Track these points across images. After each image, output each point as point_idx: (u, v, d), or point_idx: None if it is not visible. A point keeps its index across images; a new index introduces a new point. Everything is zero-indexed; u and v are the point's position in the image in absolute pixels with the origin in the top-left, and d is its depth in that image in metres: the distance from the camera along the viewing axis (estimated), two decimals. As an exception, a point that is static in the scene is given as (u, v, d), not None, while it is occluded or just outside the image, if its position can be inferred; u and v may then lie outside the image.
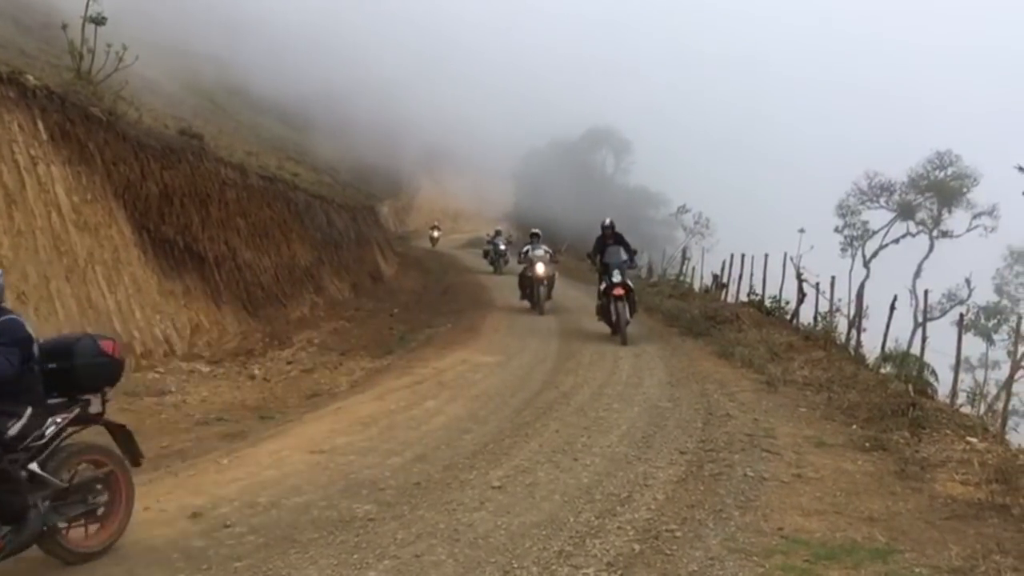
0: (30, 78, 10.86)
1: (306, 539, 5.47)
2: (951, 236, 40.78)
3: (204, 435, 8.54)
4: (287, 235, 18.43)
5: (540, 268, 19.02)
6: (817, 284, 16.82)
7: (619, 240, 16.19)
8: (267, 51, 32.79)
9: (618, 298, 14.95)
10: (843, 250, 41.80)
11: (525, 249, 20.34)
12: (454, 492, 6.54)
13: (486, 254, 31.35)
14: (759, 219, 44.75)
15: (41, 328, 9.44)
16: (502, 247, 29.76)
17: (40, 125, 10.65)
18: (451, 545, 5.40)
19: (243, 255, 15.57)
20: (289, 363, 12.95)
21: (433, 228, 46.58)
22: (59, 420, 4.89)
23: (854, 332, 14.85)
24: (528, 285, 19.23)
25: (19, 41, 14.68)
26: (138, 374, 10.85)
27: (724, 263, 22.98)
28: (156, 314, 12.08)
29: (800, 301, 17.50)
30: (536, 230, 21.43)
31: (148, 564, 5.04)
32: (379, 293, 23.51)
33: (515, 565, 5.08)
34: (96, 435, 5.39)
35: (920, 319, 19.82)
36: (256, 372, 12.08)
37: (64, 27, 12.41)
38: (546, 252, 19.74)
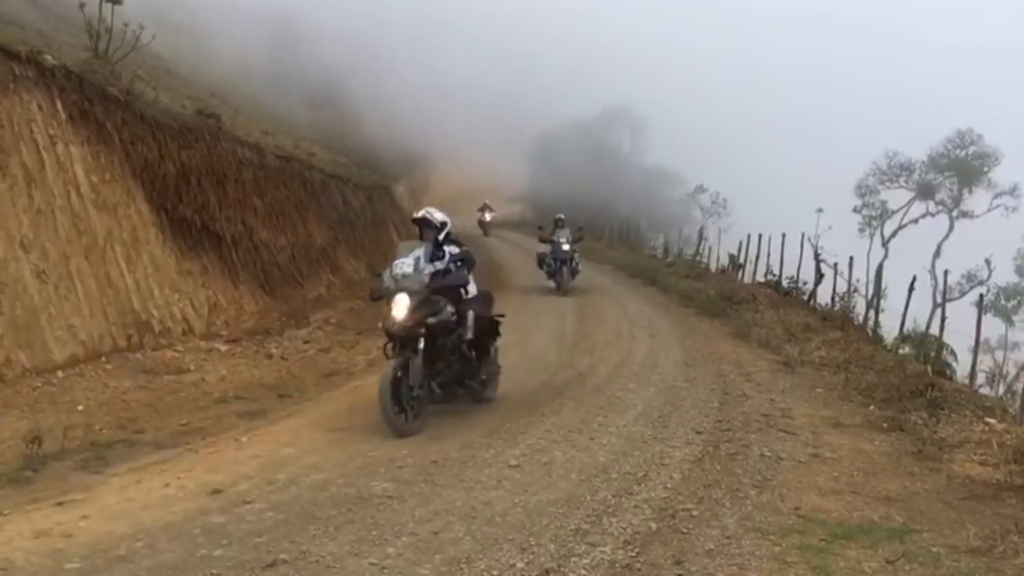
0: (48, 58, 10.88)
1: (325, 516, 5.51)
2: (971, 216, 40.51)
3: (223, 413, 8.61)
4: (303, 215, 18.47)
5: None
6: (835, 264, 16.77)
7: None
8: (281, 30, 32.73)
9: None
10: (861, 230, 41.62)
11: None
12: (471, 470, 6.57)
13: (541, 261, 19.56)
14: (777, 199, 44.43)
15: (61, 306, 9.55)
16: (565, 247, 19.10)
17: (59, 105, 10.68)
18: (469, 523, 5.43)
19: (260, 234, 15.62)
20: (306, 342, 13.02)
21: (483, 210, 37.24)
22: None
23: (872, 313, 14.81)
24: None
25: (36, 20, 14.72)
26: (157, 352, 10.95)
27: (741, 243, 22.94)
28: (174, 293, 12.15)
29: (818, 282, 17.46)
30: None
31: (169, 540, 5.09)
32: (395, 273, 23.47)
33: (532, 542, 5.11)
34: None
35: (939, 300, 19.76)
36: (273, 351, 12.15)
37: (81, 6, 12.40)
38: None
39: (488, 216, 36.92)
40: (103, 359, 10.04)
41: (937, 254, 38.90)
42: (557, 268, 19.18)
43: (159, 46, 14.61)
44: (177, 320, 11.99)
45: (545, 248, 19.73)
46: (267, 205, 16.39)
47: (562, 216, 20.29)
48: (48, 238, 9.74)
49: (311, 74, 33.11)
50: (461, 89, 47.37)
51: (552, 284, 19.19)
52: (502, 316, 9.13)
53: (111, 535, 5.18)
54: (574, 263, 19.55)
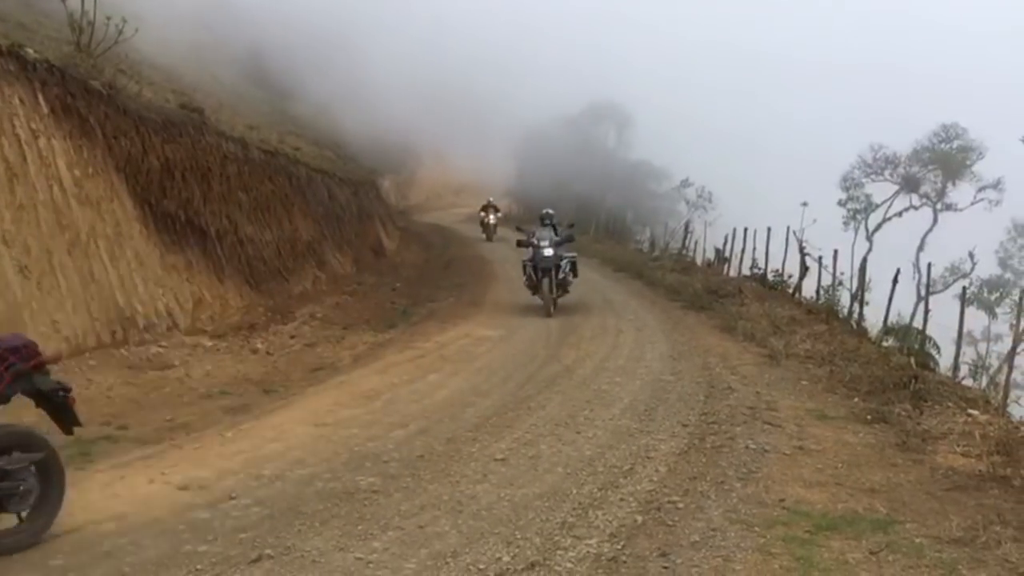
0: (30, 51, 10.78)
1: (311, 511, 5.50)
2: (955, 209, 40.66)
3: (208, 408, 8.58)
4: (289, 209, 18.39)
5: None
6: (820, 257, 16.83)
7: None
8: (265, 23, 32.51)
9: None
10: (846, 223, 41.71)
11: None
12: (457, 464, 6.58)
13: (524, 271, 15.66)
14: (762, 193, 44.55)
15: (44, 302, 9.48)
16: (548, 252, 15.08)
17: (41, 98, 10.59)
18: (455, 516, 5.43)
19: (245, 229, 15.55)
20: (292, 337, 12.98)
21: (486, 209, 31.89)
22: None
23: (856, 305, 14.86)
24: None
25: (17, 13, 14.56)
26: (141, 348, 10.89)
27: (727, 237, 22.96)
28: (159, 288, 12.08)
29: (803, 275, 17.51)
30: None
31: (154, 536, 5.08)
32: (381, 267, 23.51)
33: (518, 536, 5.12)
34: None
35: (923, 292, 19.83)
36: (259, 346, 12.11)
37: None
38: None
39: (493, 218, 31.49)
40: (87, 355, 9.98)
41: (921, 247, 39.07)
42: (539, 280, 14.95)
43: (142, 40, 14.49)
44: (162, 315, 11.92)
45: (527, 254, 15.46)
46: (252, 200, 16.30)
47: (550, 211, 16.40)
48: (30, 233, 9.67)
49: (296, 68, 32.92)
50: (447, 84, 47.16)
51: (539, 301, 15.10)
52: (63, 388, 5.29)
53: (95, 531, 5.16)
54: (562, 273, 15.14)
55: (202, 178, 14.25)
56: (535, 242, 15.19)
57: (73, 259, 10.33)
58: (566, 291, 15.50)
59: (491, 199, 33.27)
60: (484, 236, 31.33)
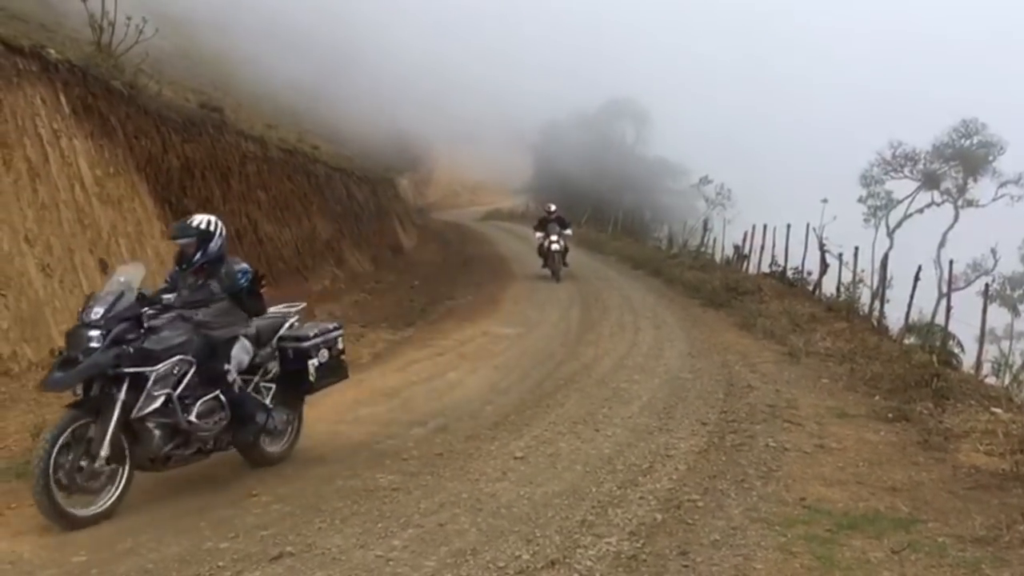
0: (51, 51, 10.88)
1: (331, 508, 5.52)
2: (976, 205, 40.25)
3: (228, 406, 8.61)
4: (307, 208, 18.48)
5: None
6: (840, 255, 16.72)
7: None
8: (283, 22, 32.66)
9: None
10: (866, 220, 41.37)
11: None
12: (476, 462, 6.58)
13: None
14: (781, 190, 44.30)
15: (66, 300, 9.57)
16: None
17: (62, 99, 10.68)
18: (474, 514, 5.43)
19: (264, 228, 15.63)
20: (311, 335, 13.00)
21: (545, 225, 19.84)
22: None
23: (877, 303, 14.76)
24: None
25: (38, 14, 14.70)
26: (162, 346, 10.95)
27: (746, 234, 22.85)
28: (179, 287, 12.16)
29: (823, 272, 17.40)
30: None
31: (177, 532, 5.11)
32: (399, 265, 23.57)
33: (538, 534, 5.11)
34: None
35: (944, 289, 19.70)
36: (278, 344, 12.15)
37: (84, 0, 12.42)
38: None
39: (557, 240, 19.44)
40: (108, 353, 10.04)
41: (942, 244, 38.70)
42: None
43: (162, 40, 14.61)
44: (182, 314, 11.99)
45: None
46: (271, 198, 16.40)
47: (199, 223, 6.43)
48: (52, 232, 9.75)
49: (313, 68, 33.05)
50: (465, 81, 47.21)
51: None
52: None
53: (118, 528, 5.20)
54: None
55: (222, 177, 14.35)
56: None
57: (94, 258, 10.41)
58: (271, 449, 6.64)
59: (552, 207, 20.93)
60: (546, 270, 19.57)
